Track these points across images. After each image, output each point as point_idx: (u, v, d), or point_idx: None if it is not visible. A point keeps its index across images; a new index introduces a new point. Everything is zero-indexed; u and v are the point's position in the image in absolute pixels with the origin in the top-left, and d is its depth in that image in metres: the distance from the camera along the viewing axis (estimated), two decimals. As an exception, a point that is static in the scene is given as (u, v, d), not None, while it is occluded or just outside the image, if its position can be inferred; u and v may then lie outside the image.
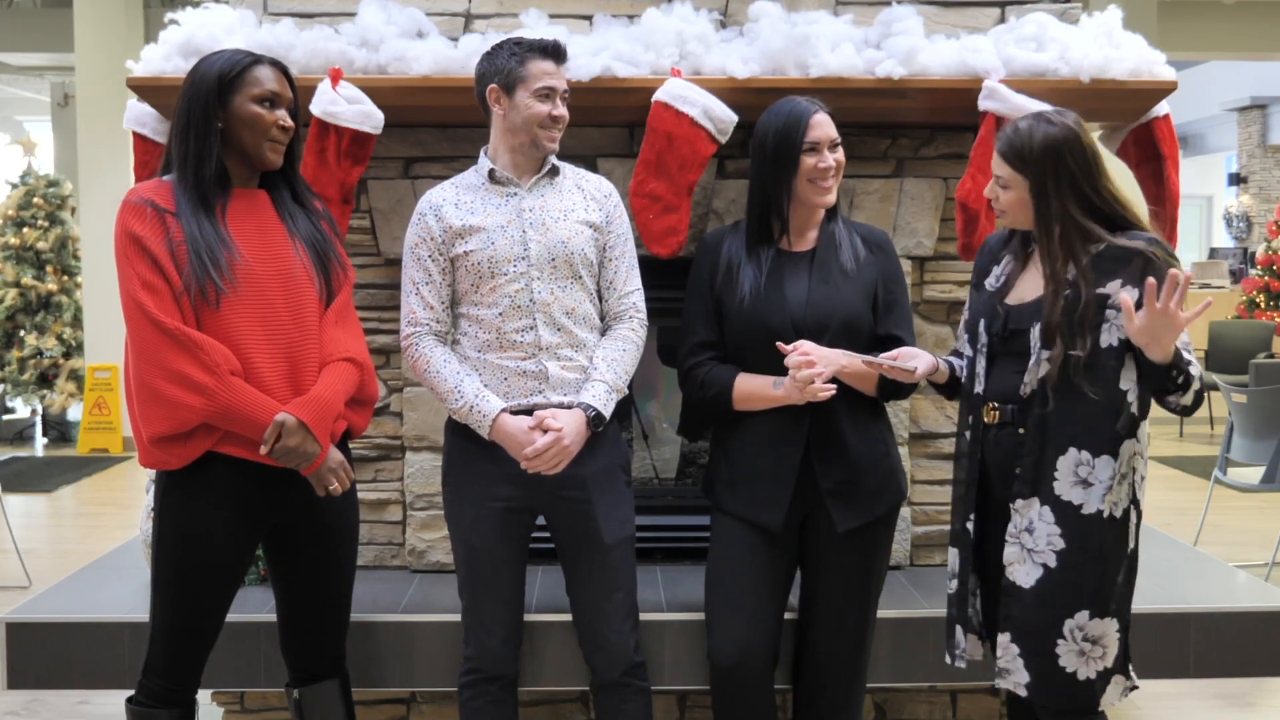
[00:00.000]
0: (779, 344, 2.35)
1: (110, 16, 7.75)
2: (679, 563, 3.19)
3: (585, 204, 2.50)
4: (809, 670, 2.60)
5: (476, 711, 2.50)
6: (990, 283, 2.36)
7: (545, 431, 2.36)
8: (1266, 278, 9.43)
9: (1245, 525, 5.83)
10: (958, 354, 2.47)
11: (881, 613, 2.71)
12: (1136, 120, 3.01)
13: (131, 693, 2.34)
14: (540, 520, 2.55)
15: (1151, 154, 3.01)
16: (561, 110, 2.44)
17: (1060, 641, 2.20)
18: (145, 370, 2.17)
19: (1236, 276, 13.18)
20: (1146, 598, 2.92)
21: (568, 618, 2.61)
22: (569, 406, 2.42)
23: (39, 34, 10.20)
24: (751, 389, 2.47)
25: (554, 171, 2.51)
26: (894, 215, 3.16)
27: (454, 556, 2.55)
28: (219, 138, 2.23)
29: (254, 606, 2.79)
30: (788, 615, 2.62)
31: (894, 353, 2.35)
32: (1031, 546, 2.23)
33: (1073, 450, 2.20)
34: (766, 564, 2.51)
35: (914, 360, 2.33)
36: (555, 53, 2.44)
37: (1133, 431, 2.21)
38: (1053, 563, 2.20)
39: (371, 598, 2.92)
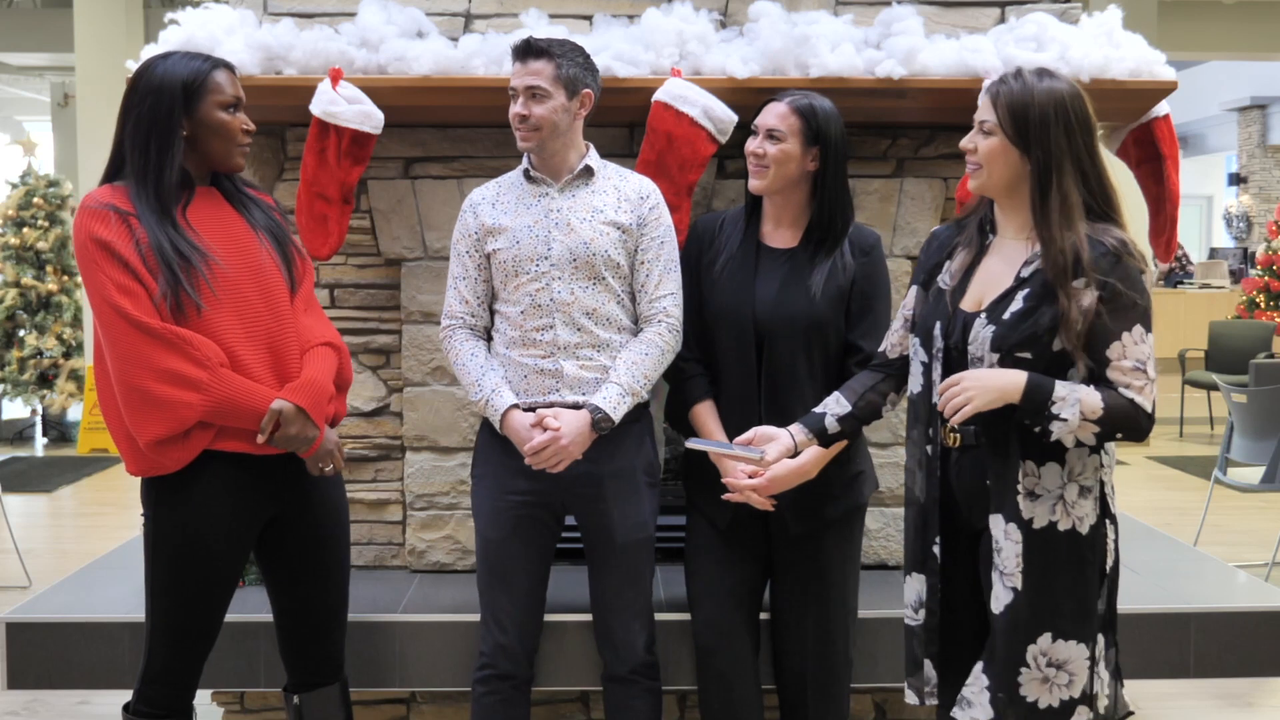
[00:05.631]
0: (724, 480, 2.42)
1: (110, 16, 7.75)
2: (679, 563, 3.19)
3: (617, 205, 2.50)
4: (783, 669, 2.62)
5: (486, 709, 2.52)
6: (944, 281, 2.19)
7: (545, 430, 2.38)
8: (1266, 278, 9.42)
9: (1245, 525, 5.82)
10: (885, 361, 2.35)
11: (881, 612, 2.71)
12: (1137, 120, 3.01)
13: (127, 700, 2.31)
14: (570, 520, 2.57)
15: (1151, 154, 3.01)
16: (519, 109, 2.43)
17: (1024, 670, 2.05)
18: (133, 374, 2.13)
19: (1236, 276, 13.17)
20: (1146, 598, 2.93)
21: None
22: (581, 407, 2.43)
23: (39, 34, 10.20)
24: (701, 427, 2.54)
25: (588, 172, 2.52)
26: (894, 215, 3.16)
27: (475, 551, 2.57)
28: (182, 146, 2.21)
29: (254, 606, 2.78)
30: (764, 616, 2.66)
31: (750, 434, 2.34)
32: (1002, 568, 2.08)
33: (1019, 462, 2.06)
34: (733, 555, 2.57)
35: (768, 444, 2.31)
36: (518, 52, 2.45)
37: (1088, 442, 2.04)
38: (1019, 585, 2.05)
39: (371, 598, 2.92)
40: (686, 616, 2.73)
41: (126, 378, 2.14)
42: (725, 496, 2.42)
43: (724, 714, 2.57)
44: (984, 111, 2.10)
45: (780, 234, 2.55)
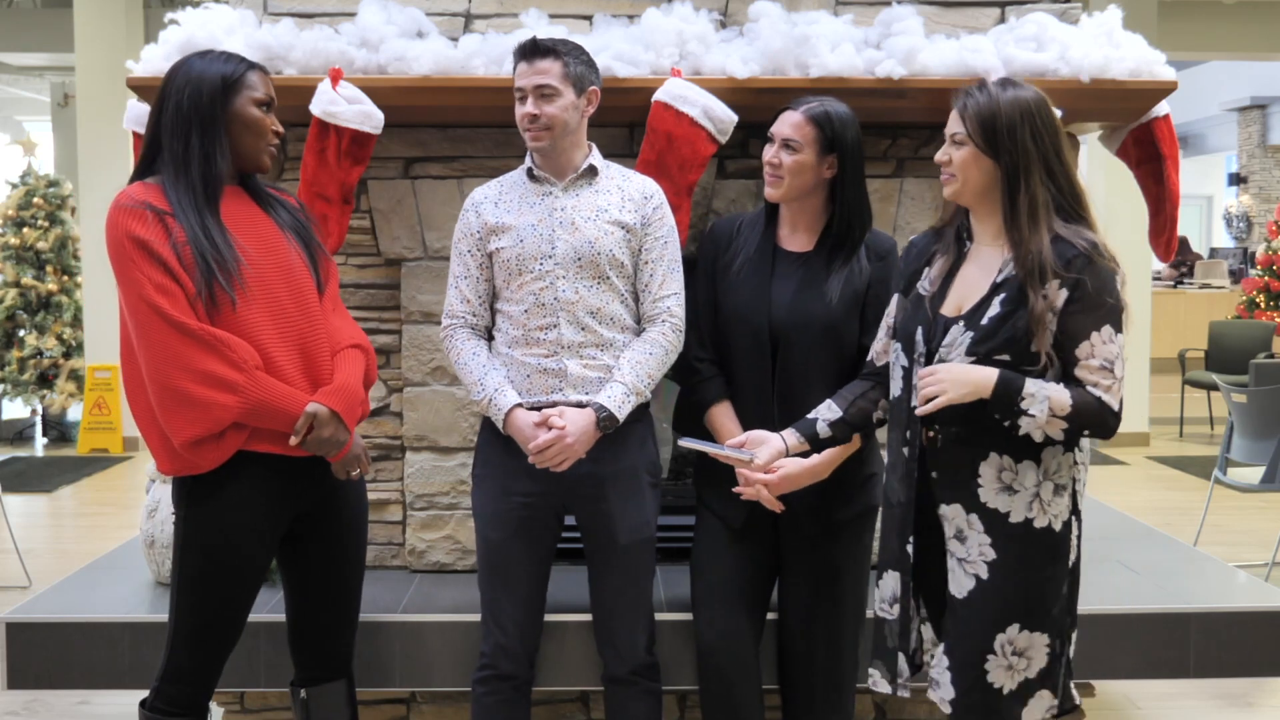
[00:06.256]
0: (739, 485, 2.39)
1: (110, 16, 7.74)
2: (679, 563, 3.19)
3: (621, 205, 2.51)
4: (789, 669, 2.62)
5: (487, 709, 2.52)
6: (924, 287, 2.23)
7: (550, 429, 2.38)
8: (1266, 278, 9.42)
9: (1245, 525, 5.82)
10: (873, 369, 2.36)
11: (882, 613, 2.70)
12: (1137, 120, 3.01)
13: (144, 696, 2.31)
14: (570, 520, 2.57)
15: (1151, 154, 3.01)
16: (529, 109, 2.43)
17: (990, 657, 2.11)
18: (169, 374, 2.12)
19: (1236, 276, 13.18)
20: (1146, 598, 2.93)
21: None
22: (585, 405, 2.43)
23: (39, 34, 10.19)
24: (719, 428, 2.53)
25: (592, 172, 2.52)
26: (894, 215, 3.16)
27: (476, 551, 2.57)
28: (225, 137, 2.22)
29: (255, 606, 2.78)
30: (772, 616, 2.65)
31: (742, 437, 2.38)
32: (963, 556, 2.14)
33: (994, 455, 2.10)
34: (742, 554, 2.56)
35: (760, 447, 2.33)
36: (523, 52, 2.45)
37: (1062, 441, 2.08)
38: (984, 574, 2.11)
39: (371, 598, 2.91)
40: (687, 616, 2.73)
41: (162, 378, 2.13)
42: (736, 489, 2.41)
43: (725, 713, 2.57)
44: (953, 125, 2.16)
45: (797, 238, 2.55)
